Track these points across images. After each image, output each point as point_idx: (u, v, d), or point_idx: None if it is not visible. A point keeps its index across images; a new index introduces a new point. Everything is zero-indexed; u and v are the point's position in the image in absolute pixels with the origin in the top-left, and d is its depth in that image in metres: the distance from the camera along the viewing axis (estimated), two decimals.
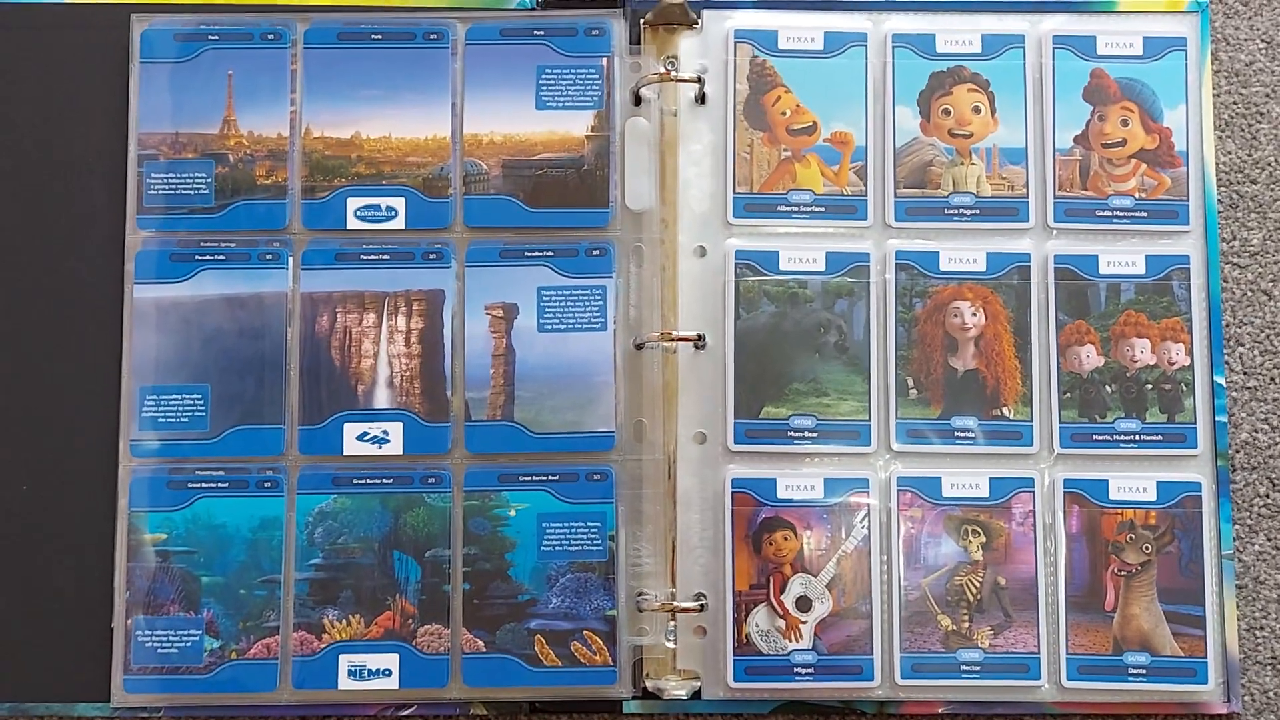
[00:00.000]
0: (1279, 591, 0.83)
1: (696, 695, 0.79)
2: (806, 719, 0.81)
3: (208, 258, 0.82)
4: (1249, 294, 0.85)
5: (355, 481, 0.80)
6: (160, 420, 0.80)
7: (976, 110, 0.84)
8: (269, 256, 0.82)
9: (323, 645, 0.79)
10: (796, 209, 0.83)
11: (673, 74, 0.83)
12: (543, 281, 0.82)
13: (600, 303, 0.81)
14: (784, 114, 0.84)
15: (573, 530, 0.80)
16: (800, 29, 0.84)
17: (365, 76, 0.84)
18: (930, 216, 0.83)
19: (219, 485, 0.80)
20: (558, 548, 0.79)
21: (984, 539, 0.80)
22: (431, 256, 0.82)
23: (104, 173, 0.83)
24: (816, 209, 0.83)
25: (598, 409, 0.81)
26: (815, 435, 0.81)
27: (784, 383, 0.81)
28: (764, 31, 0.84)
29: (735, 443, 0.81)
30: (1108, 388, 0.82)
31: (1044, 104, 0.84)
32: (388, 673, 0.78)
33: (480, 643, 0.79)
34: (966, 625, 0.79)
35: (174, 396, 0.80)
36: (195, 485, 0.80)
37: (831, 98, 0.84)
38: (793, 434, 0.81)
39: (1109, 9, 0.86)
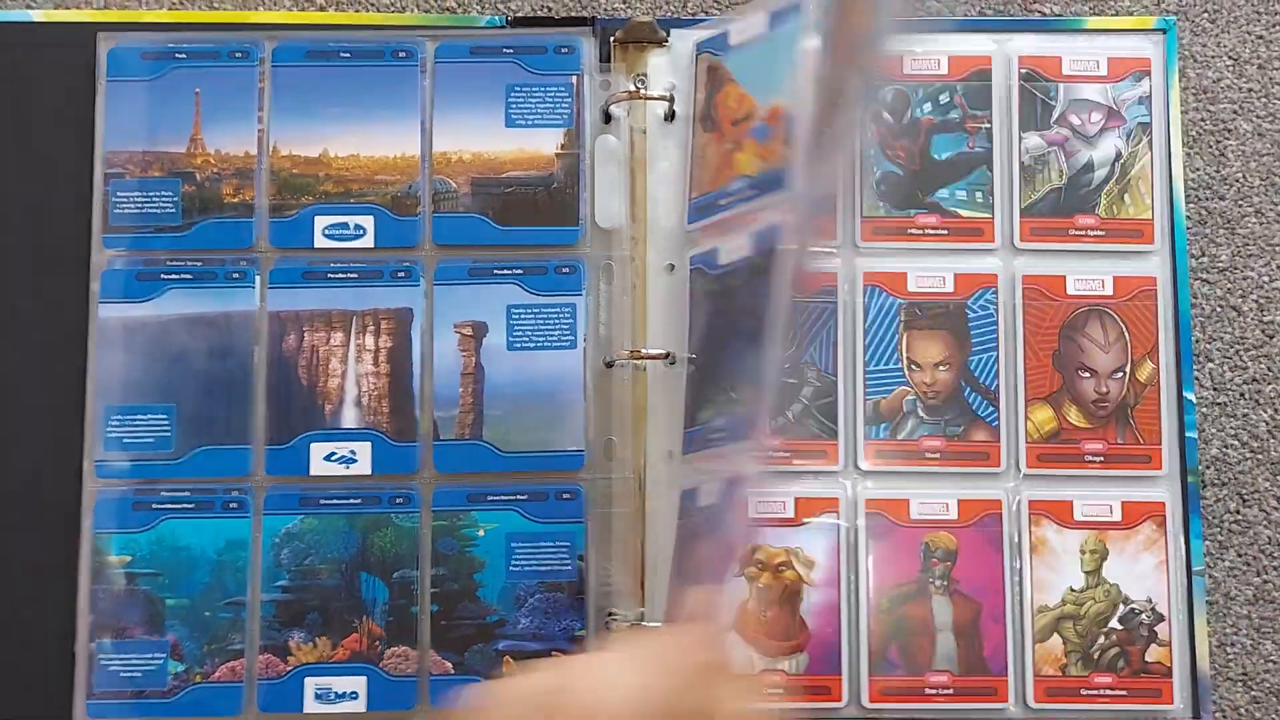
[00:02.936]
0: (1249, 607, 0.83)
1: None
2: None
3: (174, 277, 0.81)
4: (1218, 310, 0.86)
5: (322, 502, 0.80)
6: (125, 440, 0.80)
7: None
8: (236, 275, 0.81)
9: (289, 668, 0.78)
10: (734, 199, 0.81)
11: (642, 92, 0.83)
12: (512, 300, 0.82)
13: (570, 321, 0.81)
14: (730, 108, 0.83)
15: (542, 550, 0.79)
16: (747, 24, 0.83)
17: (333, 95, 0.83)
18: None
19: (184, 506, 0.79)
20: (526, 568, 0.79)
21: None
22: (400, 275, 0.82)
23: (70, 191, 0.83)
24: (749, 193, 0.80)
25: (567, 427, 0.80)
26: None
27: (729, 387, 0.81)
28: (718, 36, 0.83)
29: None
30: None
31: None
32: (354, 695, 0.78)
33: (448, 664, 0.78)
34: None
35: (139, 416, 0.80)
36: (160, 506, 0.79)
37: (769, 74, 0.80)
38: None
39: (1077, 27, 0.86)
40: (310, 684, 0.78)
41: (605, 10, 0.89)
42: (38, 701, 0.78)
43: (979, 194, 0.84)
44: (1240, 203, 0.87)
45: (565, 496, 0.80)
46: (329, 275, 0.82)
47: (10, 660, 0.79)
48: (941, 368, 0.82)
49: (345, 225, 0.82)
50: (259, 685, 0.78)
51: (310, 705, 0.78)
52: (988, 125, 0.84)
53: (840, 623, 0.79)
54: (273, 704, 0.78)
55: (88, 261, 0.82)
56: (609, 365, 0.81)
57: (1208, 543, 0.83)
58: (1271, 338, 0.86)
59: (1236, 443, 0.84)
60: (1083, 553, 0.80)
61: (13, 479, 0.80)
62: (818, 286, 0.82)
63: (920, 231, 0.83)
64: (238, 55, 0.83)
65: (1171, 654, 0.79)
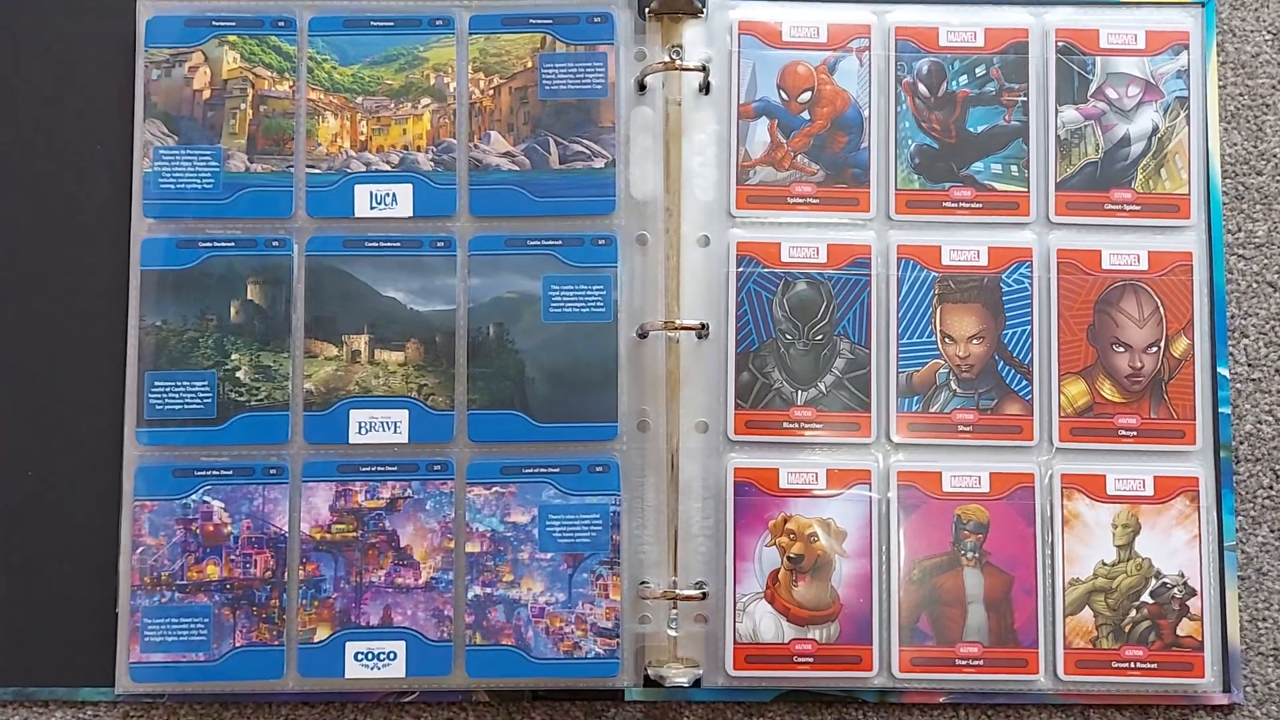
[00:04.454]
0: None
1: (698, 683, 0.80)
2: (808, 707, 0.81)
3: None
4: (1254, 286, 0.85)
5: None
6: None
7: None
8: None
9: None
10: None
11: (678, 63, 0.83)
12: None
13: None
14: None
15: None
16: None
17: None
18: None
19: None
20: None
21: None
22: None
23: (110, 160, 0.84)
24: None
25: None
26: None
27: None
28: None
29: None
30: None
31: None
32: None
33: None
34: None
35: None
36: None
37: None
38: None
39: (1114, 1, 0.85)
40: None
41: None
42: (81, 662, 0.80)
43: (1014, 167, 0.83)
44: (1278, 178, 0.86)
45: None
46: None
47: (54, 622, 0.80)
48: (975, 341, 0.82)
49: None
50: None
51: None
52: (1024, 98, 0.84)
53: (872, 593, 0.80)
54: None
55: (128, 230, 0.82)
56: (642, 336, 0.81)
57: (1240, 518, 0.83)
58: None
59: (1271, 418, 0.84)
60: (1115, 527, 0.80)
61: (55, 445, 0.82)
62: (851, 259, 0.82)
63: (955, 205, 0.83)
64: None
65: (1203, 628, 0.80)
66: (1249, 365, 0.85)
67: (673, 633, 0.80)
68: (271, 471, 0.80)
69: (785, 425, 0.81)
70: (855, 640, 0.80)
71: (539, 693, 0.80)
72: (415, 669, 0.79)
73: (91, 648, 0.80)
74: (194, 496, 0.80)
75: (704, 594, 0.80)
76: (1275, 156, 0.86)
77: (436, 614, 0.79)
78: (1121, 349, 0.82)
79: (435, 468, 0.80)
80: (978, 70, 0.84)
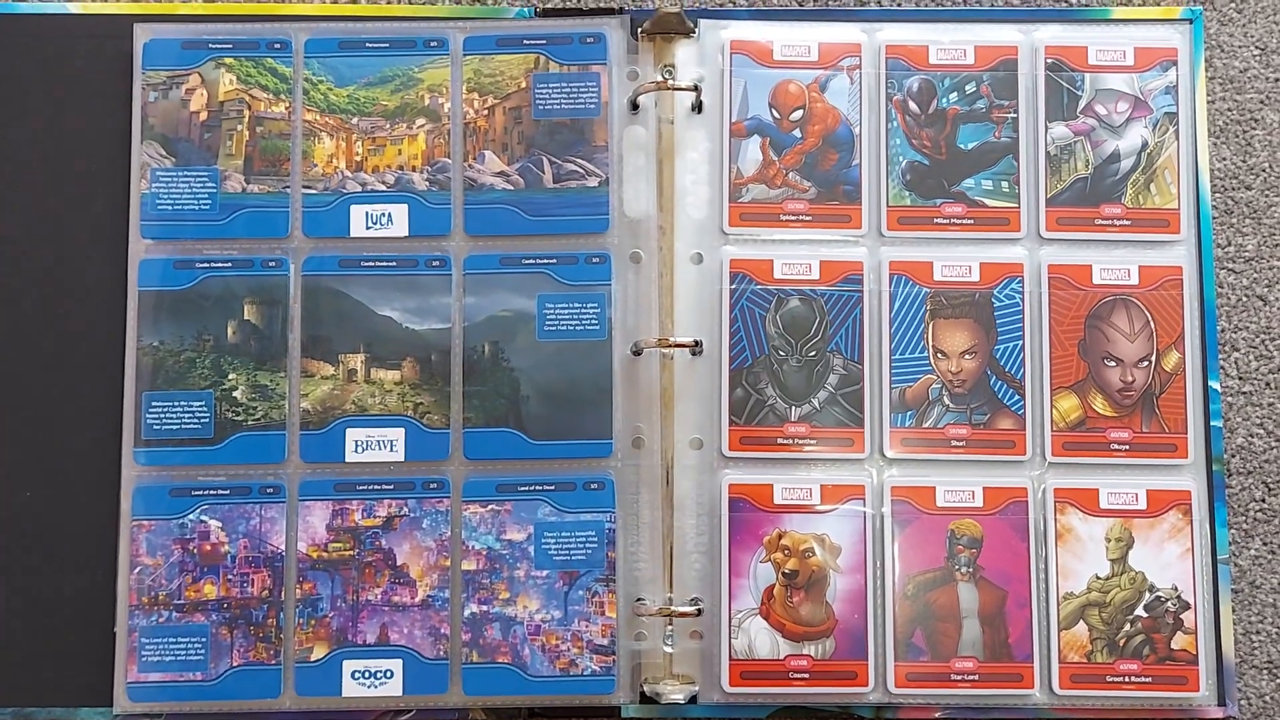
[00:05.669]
0: (1275, 595, 0.83)
1: (694, 700, 0.80)
2: None
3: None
4: (1244, 299, 0.86)
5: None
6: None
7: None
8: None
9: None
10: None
11: (670, 82, 0.84)
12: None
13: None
14: None
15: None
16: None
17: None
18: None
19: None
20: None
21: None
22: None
23: (108, 181, 0.84)
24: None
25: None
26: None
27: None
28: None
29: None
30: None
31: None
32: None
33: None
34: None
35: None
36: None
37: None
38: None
39: (1103, 17, 0.86)
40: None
41: (633, 1, 0.89)
42: (79, 682, 0.80)
43: (1005, 183, 0.84)
44: (1267, 192, 0.87)
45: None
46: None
47: (52, 642, 0.81)
48: (967, 356, 0.83)
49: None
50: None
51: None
52: (1014, 115, 0.85)
53: (867, 608, 0.80)
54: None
55: (125, 251, 0.83)
56: (636, 353, 0.82)
57: (1233, 531, 0.84)
58: None
59: (1262, 431, 0.85)
60: (1108, 540, 0.81)
61: (53, 465, 0.82)
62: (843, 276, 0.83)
63: (946, 221, 0.84)
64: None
65: (1197, 642, 0.80)
66: (1240, 378, 0.85)
67: (668, 649, 0.80)
68: (268, 491, 0.81)
69: (779, 441, 0.82)
70: (851, 656, 0.80)
71: (535, 710, 0.80)
72: (412, 687, 0.79)
73: (89, 667, 0.80)
74: (191, 516, 0.80)
75: (699, 610, 0.80)
76: (1264, 170, 0.87)
77: (433, 632, 0.80)
78: (1113, 363, 0.83)
79: (431, 486, 0.81)
80: (968, 87, 0.85)
